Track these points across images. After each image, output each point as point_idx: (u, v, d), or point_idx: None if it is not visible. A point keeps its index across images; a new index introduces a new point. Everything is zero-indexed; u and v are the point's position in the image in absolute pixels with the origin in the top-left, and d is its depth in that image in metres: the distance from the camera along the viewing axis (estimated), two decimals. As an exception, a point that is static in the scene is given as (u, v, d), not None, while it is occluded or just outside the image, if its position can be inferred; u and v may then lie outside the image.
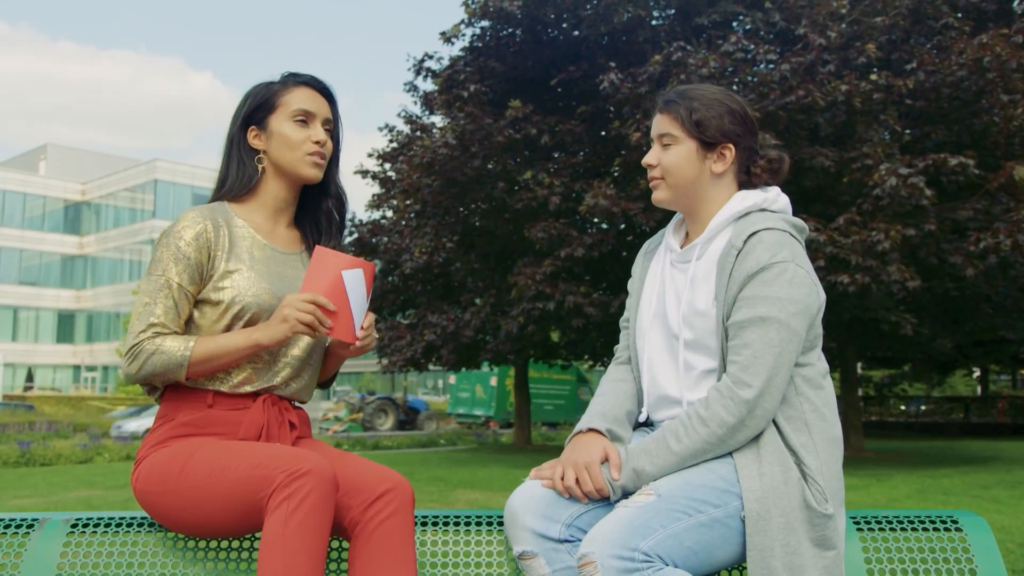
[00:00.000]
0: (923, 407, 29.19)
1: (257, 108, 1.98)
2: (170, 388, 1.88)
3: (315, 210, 2.08)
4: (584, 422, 1.82)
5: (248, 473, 1.66)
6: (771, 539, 1.61)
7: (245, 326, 1.88)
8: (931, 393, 33.60)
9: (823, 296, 1.78)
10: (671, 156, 1.84)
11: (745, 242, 1.74)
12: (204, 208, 1.93)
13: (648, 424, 1.92)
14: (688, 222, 1.91)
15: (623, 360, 1.99)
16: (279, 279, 1.94)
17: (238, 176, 1.98)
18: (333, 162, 2.06)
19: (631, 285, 2.01)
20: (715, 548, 1.62)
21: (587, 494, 1.70)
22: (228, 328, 1.87)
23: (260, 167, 1.99)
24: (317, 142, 1.97)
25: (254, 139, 1.99)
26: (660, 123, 1.87)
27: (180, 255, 1.85)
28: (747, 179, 1.88)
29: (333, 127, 2.04)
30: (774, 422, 1.71)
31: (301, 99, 1.98)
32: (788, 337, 1.68)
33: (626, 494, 1.70)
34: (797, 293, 1.69)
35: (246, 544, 1.85)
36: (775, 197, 1.86)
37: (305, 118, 1.97)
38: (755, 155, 1.87)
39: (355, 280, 1.84)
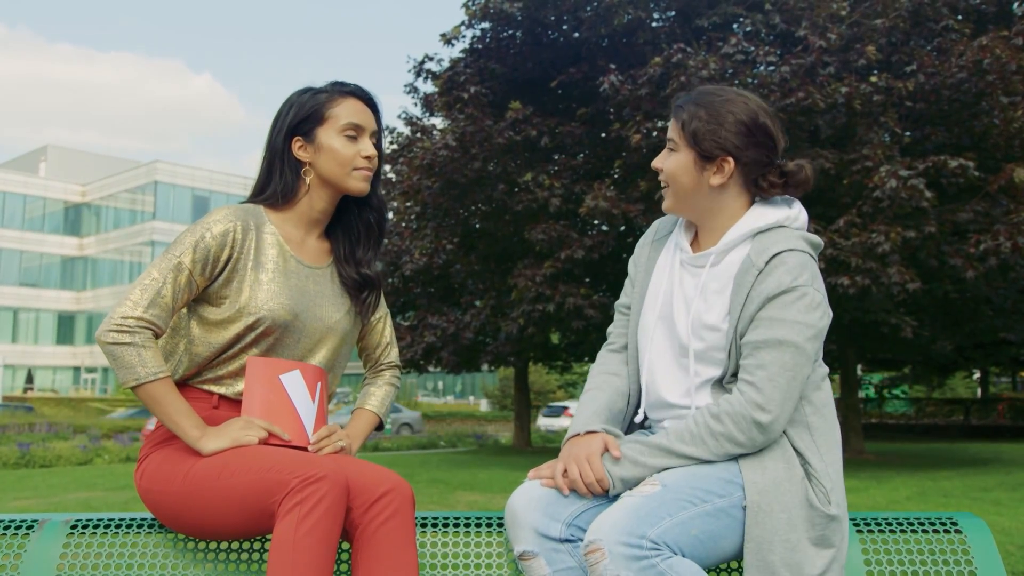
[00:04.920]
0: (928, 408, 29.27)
1: (304, 119, 1.94)
2: (177, 386, 1.88)
3: (352, 221, 2.04)
4: (579, 425, 1.80)
5: (260, 476, 1.65)
6: (770, 532, 1.61)
7: (257, 337, 1.86)
8: (931, 395, 33.61)
9: (831, 315, 1.79)
10: (671, 163, 1.83)
11: (767, 263, 1.72)
12: (239, 208, 1.90)
13: (643, 425, 1.91)
14: (698, 227, 1.89)
15: (617, 347, 1.96)
16: (299, 294, 1.91)
17: (280, 186, 1.95)
18: (376, 174, 2.03)
19: (633, 270, 1.97)
20: (720, 538, 1.63)
21: (588, 486, 1.70)
22: (239, 335, 1.85)
23: (306, 179, 1.95)
24: (367, 157, 1.94)
25: (299, 150, 1.95)
26: (670, 127, 1.86)
27: (202, 244, 1.82)
28: (758, 191, 1.82)
29: (378, 140, 2.01)
30: None
31: (350, 112, 1.94)
32: (802, 361, 1.69)
33: (626, 488, 1.70)
34: (812, 318, 1.70)
35: (246, 546, 1.85)
36: (796, 214, 1.82)
37: (355, 132, 1.94)
38: (765, 167, 1.80)
39: (294, 382, 1.85)
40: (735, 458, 1.71)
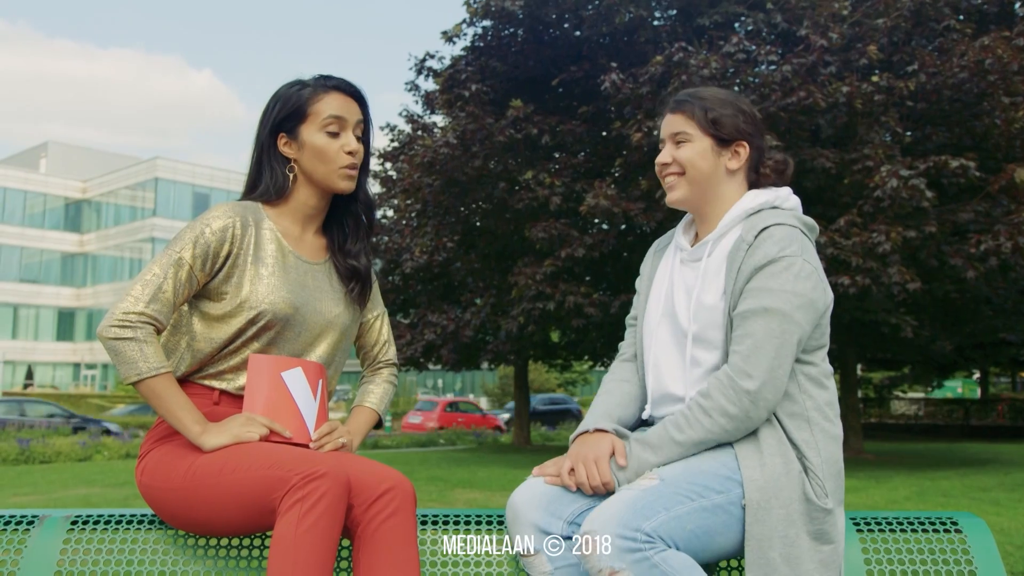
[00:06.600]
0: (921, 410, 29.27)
1: (287, 116, 1.94)
2: (179, 383, 1.88)
3: (343, 214, 2.05)
4: (589, 422, 1.82)
5: (262, 473, 1.65)
6: (770, 529, 1.62)
7: (258, 331, 1.86)
8: (930, 395, 33.61)
9: (831, 295, 1.79)
10: (686, 152, 1.85)
11: (756, 237, 1.76)
12: (238, 205, 1.91)
13: (649, 423, 1.92)
14: (698, 221, 1.93)
15: (628, 357, 1.99)
16: (300, 288, 1.92)
17: (271, 183, 1.95)
18: (363, 168, 2.02)
19: (639, 284, 2.02)
20: (716, 534, 1.63)
21: (594, 488, 1.71)
22: (240, 330, 1.85)
23: (291, 175, 1.95)
24: (350, 152, 1.93)
25: (285, 147, 1.95)
26: (673, 123, 1.88)
27: (201, 239, 1.83)
28: (756, 179, 1.91)
29: (364, 131, 2.00)
30: (776, 417, 1.72)
31: (331, 105, 1.92)
32: (790, 329, 1.69)
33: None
34: (802, 287, 1.71)
35: (246, 543, 1.85)
36: (786, 196, 1.89)
37: (336, 126, 1.93)
38: (763, 156, 1.91)
39: (296, 379, 1.86)
40: (732, 447, 1.71)
